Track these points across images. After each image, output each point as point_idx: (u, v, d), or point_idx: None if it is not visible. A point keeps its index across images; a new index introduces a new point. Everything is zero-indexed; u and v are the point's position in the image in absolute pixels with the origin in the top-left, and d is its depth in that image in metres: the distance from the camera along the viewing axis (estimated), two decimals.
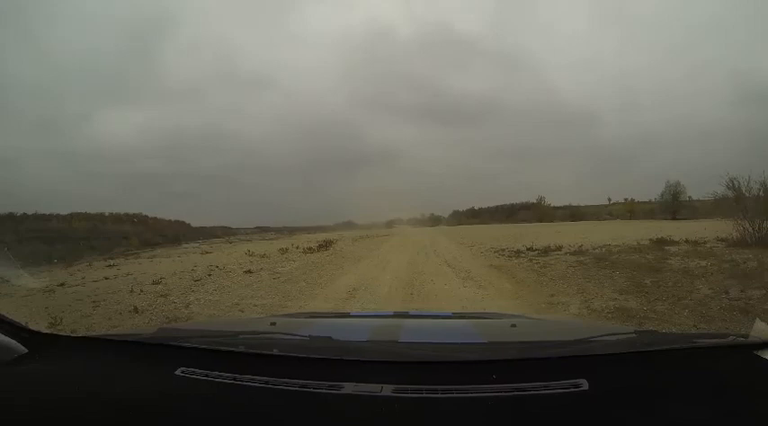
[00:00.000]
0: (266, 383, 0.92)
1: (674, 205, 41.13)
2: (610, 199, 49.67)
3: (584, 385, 0.88)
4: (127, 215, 33.07)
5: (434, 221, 51.47)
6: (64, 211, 29.90)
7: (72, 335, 1.38)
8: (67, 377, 1.04)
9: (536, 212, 49.84)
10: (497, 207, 53.09)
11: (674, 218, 35.80)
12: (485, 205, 54.25)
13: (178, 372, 0.99)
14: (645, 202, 45.62)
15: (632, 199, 48.44)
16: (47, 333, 1.28)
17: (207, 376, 0.97)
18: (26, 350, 1.12)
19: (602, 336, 1.18)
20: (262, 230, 39.74)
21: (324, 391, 0.89)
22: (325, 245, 17.58)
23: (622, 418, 0.82)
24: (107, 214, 32.36)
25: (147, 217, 34.24)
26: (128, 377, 1.02)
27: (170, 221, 36.08)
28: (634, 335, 1.23)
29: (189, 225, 36.72)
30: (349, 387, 0.89)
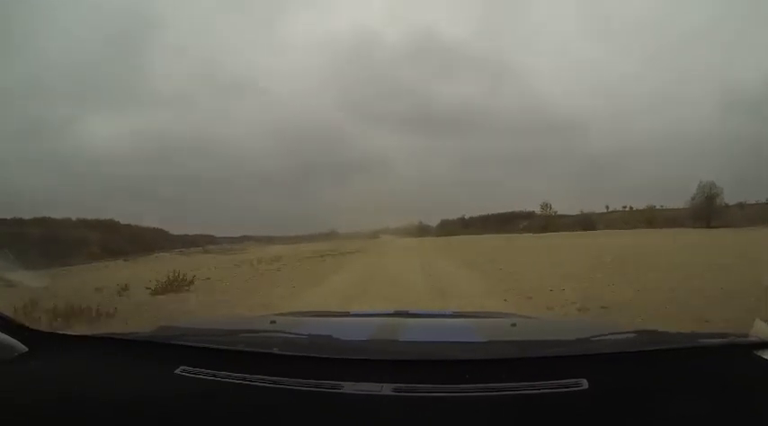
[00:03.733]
0: (266, 381, 0.93)
1: (708, 210, 33.62)
2: (608, 207, 45.55)
3: (585, 384, 0.89)
4: (97, 221, 31.32)
5: (422, 231, 47.59)
6: (36, 215, 27.81)
7: (72, 334, 1.35)
8: (68, 375, 1.05)
9: (540, 221, 44.23)
10: (488, 216, 48.03)
11: (708, 226, 30.03)
12: (475, 214, 49.83)
13: (178, 371, 1.00)
14: (665, 209, 41.00)
15: (630, 207, 43.71)
16: (47, 332, 1.28)
17: (207, 374, 0.98)
18: (26, 349, 1.13)
19: (602, 336, 1.19)
20: (246, 239, 38.30)
21: (324, 390, 0.89)
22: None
23: (622, 417, 0.83)
24: (74, 219, 30.45)
25: (118, 223, 32.44)
26: (128, 375, 1.03)
27: (145, 228, 34.51)
28: (634, 335, 1.23)
29: (167, 233, 34.73)
30: (349, 386, 0.90)
